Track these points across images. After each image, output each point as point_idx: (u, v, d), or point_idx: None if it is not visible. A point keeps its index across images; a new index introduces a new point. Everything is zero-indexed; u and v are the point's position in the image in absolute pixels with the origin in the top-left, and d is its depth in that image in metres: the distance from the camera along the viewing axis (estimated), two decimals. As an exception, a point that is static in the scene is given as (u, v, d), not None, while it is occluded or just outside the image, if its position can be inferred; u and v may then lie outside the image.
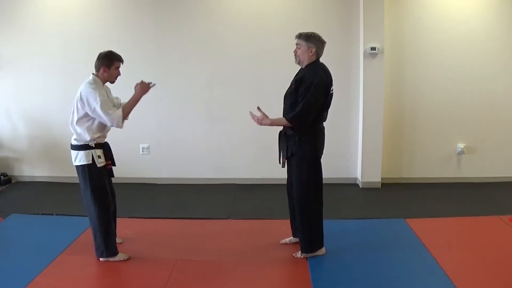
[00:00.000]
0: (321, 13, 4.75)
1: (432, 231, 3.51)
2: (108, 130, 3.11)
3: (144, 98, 4.91)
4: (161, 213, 4.08)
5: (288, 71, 4.78)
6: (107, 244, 2.98)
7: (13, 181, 5.12)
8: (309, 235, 3.05)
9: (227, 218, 3.94)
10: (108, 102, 2.91)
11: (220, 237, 3.47)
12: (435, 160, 5.01)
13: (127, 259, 3.04)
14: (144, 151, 5.03)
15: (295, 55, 3.06)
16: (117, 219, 3.79)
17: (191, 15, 4.77)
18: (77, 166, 2.97)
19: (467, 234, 3.50)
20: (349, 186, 4.90)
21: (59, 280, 2.78)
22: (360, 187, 4.87)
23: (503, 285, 2.71)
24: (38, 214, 4.00)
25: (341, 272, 2.89)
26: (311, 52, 3.00)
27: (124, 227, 3.63)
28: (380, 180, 4.86)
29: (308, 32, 3.01)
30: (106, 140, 3.14)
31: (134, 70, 4.85)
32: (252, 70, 4.85)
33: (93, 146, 2.96)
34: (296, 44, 3.02)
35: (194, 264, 3.01)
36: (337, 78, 4.76)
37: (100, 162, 3.00)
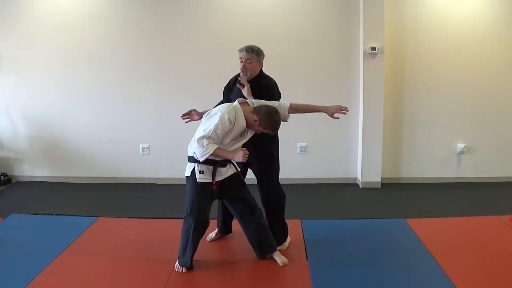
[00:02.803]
0: (321, 13, 4.75)
1: (432, 231, 3.51)
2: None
3: (144, 97, 4.97)
4: (161, 213, 4.08)
5: (288, 69, 4.81)
6: (182, 254, 2.91)
7: (13, 181, 5.12)
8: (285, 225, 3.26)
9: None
10: (216, 138, 2.71)
11: (220, 237, 3.47)
12: (435, 160, 5.01)
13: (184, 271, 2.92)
14: (144, 151, 5.03)
15: (245, 69, 3.07)
16: (117, 218, 3.86)
17: (192, 15, 4.77)
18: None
19: (467, 234, 3.49)
20: (349, 186, 4.90)
21: (59, 280, 2.78)
22: (360, 187, 4.88)
23: (503, 285, 2.71)
24: (38, 214, 3.99)
25: (341, 272, 2.89)
26: (260, 65, 3.14)
27: (124, 227, 3.64)
28: (380, 180, 4.86)
29: (257, 47, 3.10)
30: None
31: (134, 70, 4.89)
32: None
33: (198, 160, 2.78)
34: (247, 59, 3.05)
35: (194, 264, 2.99)
36: (337, 78, 4.84)
37: (201, 178, 2.80)
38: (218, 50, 4.80)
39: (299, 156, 4.99)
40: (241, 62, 3.07)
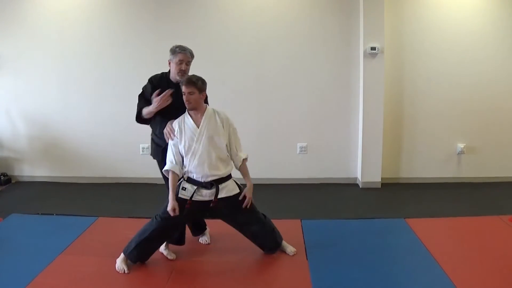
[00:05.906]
0: (321, 13, 4.75)
1: (432, 231, 3.51)
2: (193, 172, 2.92)
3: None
4: (161, 213, 4.07)
5: (288, 69, 4.81)
6: (134, 246, 2.92)
7: (13, 181, 5.12)
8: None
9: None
10: (172, 151, 2.93)
11: (220, 237, 3.47)
12: (435, 160, 5.01)
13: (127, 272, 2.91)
14: (144, 151, 5.03)
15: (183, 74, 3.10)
16: (117, 218, 3.86)
17: (192, 15, 4.77)
18: None
19: (467, 234, 3.49)
20: (349, 186, 4.90)
21: (59, 280, 2.78)
22: (360, 187, 4.88)
23: (503, 285, 2.71)
24: (38, 214, 3.99)
25: (341, 272, 2.89)
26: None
27: (124, 227, 3.64)
28: (380, 180, 4.86)
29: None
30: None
31: (134, 69, 4.88)
32: (251, 69, 4.86)
33: (184, 178, 2.94)
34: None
35: (194, 264, 3.01)
36: (337, 78, 4.84)
37: (182, 194, 2.91)
38: (218, 50, 4.80)
39: (299, 156, 4.99)
40: (181, 64, 3.16)
